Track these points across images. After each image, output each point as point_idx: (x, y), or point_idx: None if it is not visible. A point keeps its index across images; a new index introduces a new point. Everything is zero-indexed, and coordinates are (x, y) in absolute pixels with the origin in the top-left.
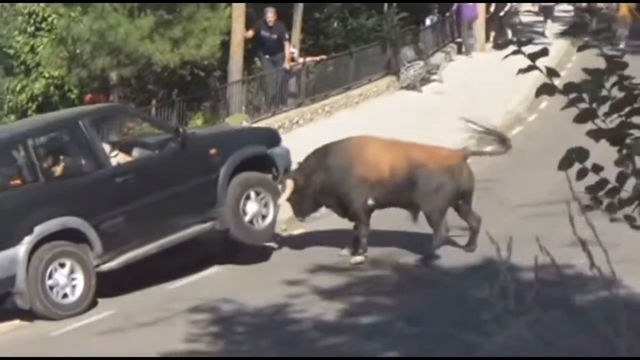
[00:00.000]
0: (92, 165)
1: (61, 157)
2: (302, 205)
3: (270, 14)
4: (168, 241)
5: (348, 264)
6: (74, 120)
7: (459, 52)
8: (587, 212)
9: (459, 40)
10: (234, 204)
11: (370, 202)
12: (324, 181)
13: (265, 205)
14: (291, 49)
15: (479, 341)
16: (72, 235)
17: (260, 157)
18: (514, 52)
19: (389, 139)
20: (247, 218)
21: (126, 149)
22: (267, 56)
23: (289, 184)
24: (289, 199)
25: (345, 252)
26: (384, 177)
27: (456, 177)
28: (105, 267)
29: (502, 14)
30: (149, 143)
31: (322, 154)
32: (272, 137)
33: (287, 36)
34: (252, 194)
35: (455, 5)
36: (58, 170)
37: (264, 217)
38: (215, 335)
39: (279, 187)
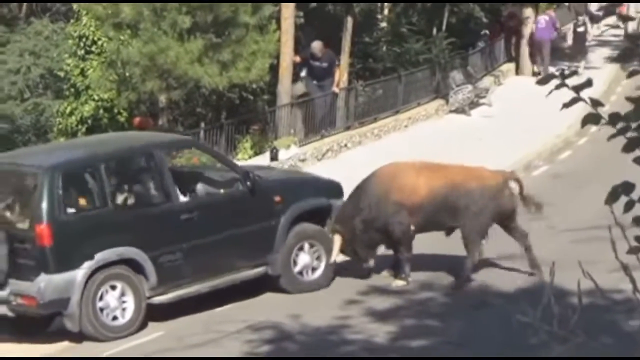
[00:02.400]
0: (160, 197)
1: (132, 186)
2: (360, 253)
3: (316, 49)
4: (221, 282)
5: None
6: (149, 150)
7: (517, 73)
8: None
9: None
10: (286, 254)
11: (411, 227)
12: (366, 221)
13: (318, 258)
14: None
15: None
16: (130, 265)
17: (321, 209)
18: (558, 86)
19: (422, 162)
20: (297, 269)
21: (190, 180)
22: (314, 81)
23: (337, 239)
24: (344, 252)
25: (385, 273)
26: (422, 200)
27: (497, 198)
28: (156, 299)
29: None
30: (215, 180)
31: (354, 198)
32: (335, 189)
33: (337, 62)
34: (306, 246)
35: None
36: (127, 198)
37: (314, 269)
38: (267, 356)
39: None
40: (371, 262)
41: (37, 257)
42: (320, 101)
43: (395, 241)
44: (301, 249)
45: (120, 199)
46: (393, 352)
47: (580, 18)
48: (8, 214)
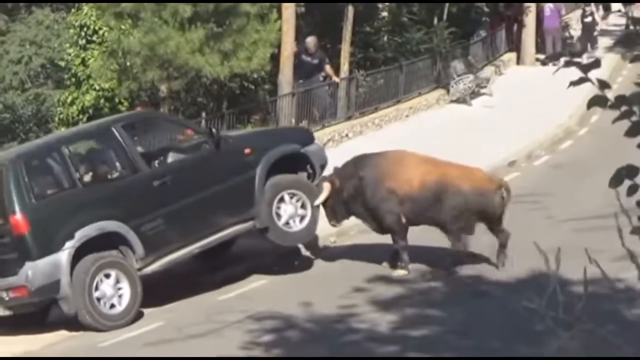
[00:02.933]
0: (128, 170)
1: (97, 163)
2: (335, 211)
3: (311, 44)
4: (210, 241)
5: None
6: (107, 127)
7: (518, 62)
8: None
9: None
10: (267, 208)
11: (402, 218)
12: (357, 190)
13: (302, 206)
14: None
15: (527, 353)
16: (114, 240)
17: (295, 155)
18: (566, 64)
19: (427, 156)
20: (282, 221)
21: (161, 154)
22: (300, 80)
23: (326, 186)
24: (323, 203)
25: (385, 264)
26: (413, 192)
27: (486, 201)
28: (148, 269)
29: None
30: (183, 147)
31: (359, 163)
32: (305, 136)
33: (327, 60)
34: (286, 197)
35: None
36: (95, 175)
37: (302, 218)
38: (269, 345)
39: (316, 186)
40: (339, 225)
41: (18, 248)
42: (321, 91)
43: (386, 229)
44: (281, 200)
45: (87, 177)
46: (395, 341)
47: (588, 8)
48: None
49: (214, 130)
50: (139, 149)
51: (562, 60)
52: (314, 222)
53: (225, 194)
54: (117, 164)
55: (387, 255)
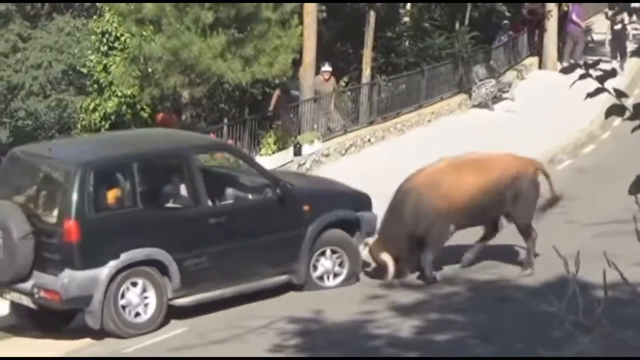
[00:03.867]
0: (190, 200)
1: (163, 187)
2: (408, 269)
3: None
4: (243, 288)
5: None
6: (183, 152)
7: (540, 67)
8: None
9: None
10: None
11: (451, 228)
12: (411, 236)
13: (340, 264)
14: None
15: (548, 356)
16: (154, 266)
17: (349, 221)
18: (582, 77)
19: (458, 158)
20: (317, 274)
21: (220, 183)
22: None
23: (388, 261)
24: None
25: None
26: (465, 200)
27: (536, 184)
28: (177, 302)
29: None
30: (245, 185)
31: (397, 213)
32: (364, 201)
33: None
34: (328, 252)
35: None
36: (157, 200)
37: (336, 275)
38: (290, 351)
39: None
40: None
41: (63, 253)
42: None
43: (428, 244)
44: (322, 254)
45: (150, 199)
46: (418, 347)
47: (619, 16)
48: (37, 206)
49: (281, 180)
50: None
51: (578, 71)
52: (346, 282)
53: (273, 245)
54: (181, 192)
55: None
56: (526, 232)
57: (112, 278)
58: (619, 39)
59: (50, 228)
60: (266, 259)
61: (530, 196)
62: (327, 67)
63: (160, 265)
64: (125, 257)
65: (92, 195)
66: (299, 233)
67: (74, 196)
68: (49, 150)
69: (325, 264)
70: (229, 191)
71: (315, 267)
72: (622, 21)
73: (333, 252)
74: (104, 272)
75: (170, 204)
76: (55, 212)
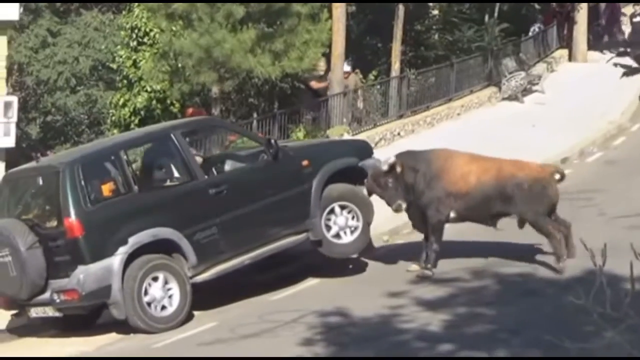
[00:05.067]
0: (185, 177)
1: (154, 169)
2: (397, 193)
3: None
4: (262, 252)
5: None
6: (166, 133)
7: (570, 59)
8: None
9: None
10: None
11: (452, 214)
12: (412, 181)
13: (354, 217)
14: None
15: (573, 349)
16: (167, 247)
17: (352, 169)
18: (620, 54)
19: (472, 153)
20: (331, 232)
21: (218, 162)
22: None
23: (398, 162)
24: (384, 185)
25: (415, 266)
26: (470, 188)
27: (547, 189)
28: (199, 278)
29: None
30: (241, 156)
31: (412, 156)
32: (364, 149)
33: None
34: (337, 209)
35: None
36: (152, 181)
37: (353, 229)
38: (320, 345)
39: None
40: (401, 210)
41: (71, 251)
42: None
43: (429, 227)
44: (332, 212)
45: (144, 182)
46: (448, 340)
47: (638, 7)
48: (37, 215)
49: (272, 140)
50: (197, 156)
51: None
52: (365, 233)
53: (281, 206)
54: (175, 170)
55: (455, 253)
56: (544, 232)
57: (127, 265)
58: (638, 31)
59: (53, 232)
60: (277, 220)
61: (539, 196)
62: (345, 67)
63: (171, 244)
64: (134, 240)
65: (86, 189)
66: (303, 189)
67: (68, 193)
68: (36, 162)
69: (338, 221)
70: (226, 163)
71: (328, 227)
72: None
73: (342, 207)
74: (117, 259)
75: (166, 183)
76: (55, 215)
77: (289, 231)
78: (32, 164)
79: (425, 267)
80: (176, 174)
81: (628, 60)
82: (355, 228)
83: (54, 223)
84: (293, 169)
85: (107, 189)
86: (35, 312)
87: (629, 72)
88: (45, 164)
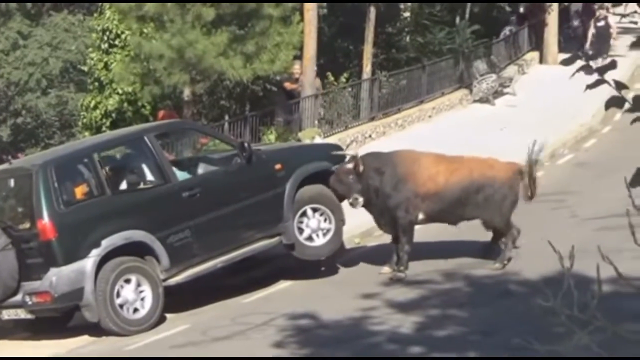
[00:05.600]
0: (158, 179)
1: (127, 172)
2: (354, 188)
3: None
4: (235, 255)
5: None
6: (139, 136)
7: (541, 61)
8: None
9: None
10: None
11: (421, 216)
12: (377, 183)
13: (326, 220)
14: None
15: (542, 350)
16: (139, 249)
17: (325, 172)
18: (581, 68)
19: (439, 154)
20: (304, 235)
21: (190, 163)
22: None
23: (360, 161)
24: (344, 179)
25: (387, 269)
26: (439, 189)
27: (514, 188)
28: (172, 281)
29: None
30: (214, 159)
31: (378, 158)
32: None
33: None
34: (309, 211)
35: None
36: (124, 184)
37: (326, 231)
38: (292, 347)
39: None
40: (357, 206)
41: (44, 253)
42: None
43: (400, 229)
44: (304, 214)
45: (117, 185)
46: (419, 342)
47: (602, 11)
48: (10, 217)
49: (245, 143)
50: (170, 158)
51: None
52: (336, 237)
53: (254, 209)
54: (148, 173)
55: (383, 257)
56: (505, 231)
57: (100, 268)
58: (601, 37)
59: (26, 234)
60: (250, 223)
61: (506, 199)
62: None
63: (144, 246)
64: (107, 243)
65: (59, 191)
66: (276, 192)
67: (41, 195)
68: (9, 164)
69: (310, 223)
70: (199, 166)
71: (300, 230)
72: (605, 18)
73: (315, 210)
74: (89, 262)
75: (139, 186)
76: (28, 217)
77: (262, 234)
78: (5, 165)
79: (398, 269)
80: (149, 177)
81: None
82: (328, 230)
83: (27, 225)
84: (266, 172)
85: (80, 191)
86: (7, 315)
87: (592, 85)
88: (17, 166)
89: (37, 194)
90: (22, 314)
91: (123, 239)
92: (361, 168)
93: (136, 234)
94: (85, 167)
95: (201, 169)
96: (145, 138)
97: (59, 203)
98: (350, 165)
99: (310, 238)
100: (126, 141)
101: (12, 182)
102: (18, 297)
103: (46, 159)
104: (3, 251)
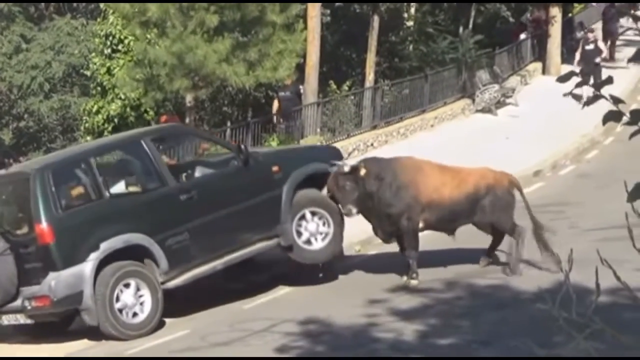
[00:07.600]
0: (156, 182)
1: (124, 176)
2: (354, 198)
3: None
4: (233, 257)
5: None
6: (137, 140)
7: (544, 72)
8: None
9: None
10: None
11: (421, 224)
12: (376, 189)
13: (324, 223)
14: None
15: (541, 353)
16: (138, 253)
17: (322, 174)
18: (578, 85)
19: (440, 163)
20: (302, 238)
21: (188, 167)
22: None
23: (362, 166)
24: (343, 187)
25: (405, 279)
26: (444, 200)
27: (513, 195)
28: (171, 284)
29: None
30: (212, 162)
31: (378, 164)
32: (334, 155)
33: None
34: (308, 214)
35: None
36: (122, 187)
37: (324, 236)
38: (295, 352)
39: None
40: (352, 215)
41: (42, 258)
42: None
43: (405, 237)
44: (303, 218)
45: (115, 189)
46: (422, 351)
47: (591, 35)
48: (8, 223)
49: (242, 146)
50: (168, 162)
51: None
52: (335, 240)
53: (252, 211)
54: (145, 177)
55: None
56: (511, 231)
57: (99, 271)
58: (588, 60)
59: (24, 238)
60: (248, 226)
61: (509, 202)
62: None
63: (142, 249)
64: (105, 246)
65: (56, 195)
66: (274, 195)
67: (39, 199)
68: (6, 170)
69: (309, 227)
70: (196, 168)
71: (299, 233)
72: (595, 41)
73: (313, 213)
74: (88, 266)
75: (136, 189)
76: (26, 222)
77: (260, 236)
78: (2, 171)
79: (410, 276)
80: (147, 181)
81: (587, 89)
82: (326, 234)
83: (25, 230)
84: (263, 174)
85: (78, 195)
86: (7, 320)
87: (589, 101)
88: (15, 171)
89: (35, 199)
90: (21, 319)
91: (122, 242)
92: (362, 172)
93: (135, 237)
94: (82, 171)
95: (198, 172)
96: (142, 142)
97: (57, 207)
98: (347, 169)
99: (308, 242)
100: (123, 145)
101: (10, 187)
102: (17, 302)
103: (44, 163)
104: (2, 256)
